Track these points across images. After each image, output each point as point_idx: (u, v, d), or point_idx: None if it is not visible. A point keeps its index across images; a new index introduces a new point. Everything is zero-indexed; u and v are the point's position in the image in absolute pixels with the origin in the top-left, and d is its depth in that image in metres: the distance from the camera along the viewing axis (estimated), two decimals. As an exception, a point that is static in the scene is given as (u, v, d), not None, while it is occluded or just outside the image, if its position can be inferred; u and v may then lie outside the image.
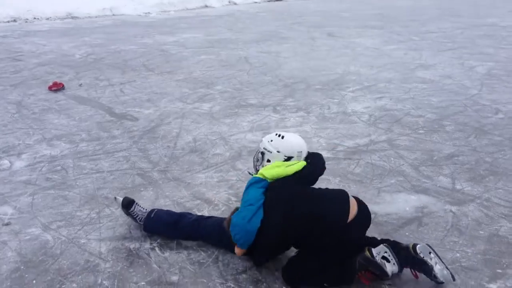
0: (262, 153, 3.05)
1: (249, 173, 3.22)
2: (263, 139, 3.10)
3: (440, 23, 14.36)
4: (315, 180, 3.10)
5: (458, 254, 3.14)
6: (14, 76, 7.80)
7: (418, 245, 2.76)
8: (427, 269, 2.70)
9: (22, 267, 2.99)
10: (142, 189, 4.06)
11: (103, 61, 9.03)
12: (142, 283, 2.86)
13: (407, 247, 2.79)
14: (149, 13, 16.63)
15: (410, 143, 5.06)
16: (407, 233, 3.37)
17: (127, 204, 3.39)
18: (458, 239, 3.31)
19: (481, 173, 4.33)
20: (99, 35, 11.95)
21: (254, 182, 2.87)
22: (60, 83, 7.06)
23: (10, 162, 4.55)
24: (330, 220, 2.77)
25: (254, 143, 5.05)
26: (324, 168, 3.11)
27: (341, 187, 4.07)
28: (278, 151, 2.98)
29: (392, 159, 4.67)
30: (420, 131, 5.41)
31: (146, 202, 3.81)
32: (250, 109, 6.25)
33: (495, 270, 2.98)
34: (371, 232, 3.20)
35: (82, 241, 3.28)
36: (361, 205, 2.95)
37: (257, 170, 3.10)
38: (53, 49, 10.09)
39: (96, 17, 15.55)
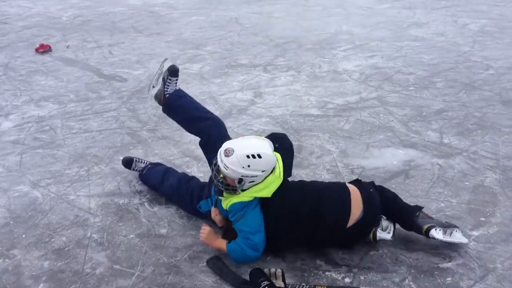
0: (241, 179, 2.55)
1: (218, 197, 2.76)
2: (232, 166, 2.50)
3: (434, -18, 14.10)
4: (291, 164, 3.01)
5: (442, 204, 3.19)
6: (1, 39, 7.66)
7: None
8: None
9: (12, 222, 3.02)
10: (131, 147, 4.07)
11: (91, 23, 8.86)
12: (131, 236, 2.90)
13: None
14: (138, -25, 16.20)
15: (400, 99, 5.05)
16: (393, 185, 3.40)
17: (126, 163, 3.50)
18: (443, 190, 3.35)
19: (469, 127, 4.35)
20: (87, -2, 11.69)
21: (248, 205, 2.61)
22: (47, 45, 6.94)
23: (-2, 123, 4.52)
24: (329, 222, 2.61)
25: (244, 102, 5.03)
26: (293, 150, 3.06)
27: (330, 143, 4.09)
28: (263, 171, 2.56)
29: (381, 115, 4.67)
30: (411, 88, 5.39)
31: (135, 160, 3.81)
32: (240, 69, 6.19)
33: (478, 218, 3.04)
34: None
35: (71, 198, 3.30)
36: (368, 201, 2.69)
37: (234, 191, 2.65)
38: (39, 11, 9.87)
39: (84, -21, 15.15)
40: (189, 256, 2.73)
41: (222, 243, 2.66)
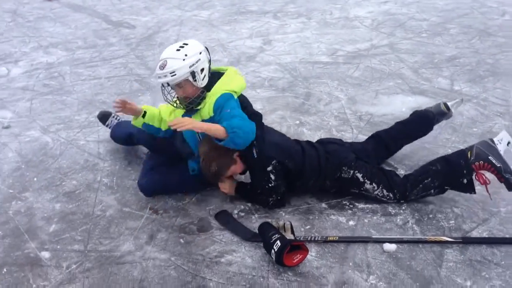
0: (193, 73, 2.46)
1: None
2: (175, 66, 2.41)
3: None
4: None
5: (449, 150, 3.17)
6: (7, -15, 7.57)
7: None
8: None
9: (23, 166, 3.09)
10: (139, 94, 4.08)
11: (98, -31, 8.68)
12: (140, 180, 2.95)
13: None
14: None
15: (411, 46, 4.95)
16: (401, 132, 3.39)
17: (102, 118, 3.35)
18: (451, 136, 3.34)
19: (481, 74, 4.27)
20: None
21: (231, 98, 2.55)
22: (54, -9, 6.85)
23: (7, 69, 4.54)
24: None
25: (252, 49, 4.97)
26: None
27: (338, 90, 4.07)
28: (200, 52, 2.50)
29: (392, 62, 4.59)
30: (423, 35, 5.27)
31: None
32: (249, 15, 6.08)
33: (485, 165, 3.03)
34: (368, 132, 3.25)
35: (81, 143, 3.35)
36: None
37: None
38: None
39: None
40: (196, 199, 2.79)
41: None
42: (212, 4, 6.53)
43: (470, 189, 2.61)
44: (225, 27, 5.65)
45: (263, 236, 2.40)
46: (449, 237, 2.45)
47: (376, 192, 2.68)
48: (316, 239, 2.46)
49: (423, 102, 3.82)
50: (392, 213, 2.64)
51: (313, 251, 2.38)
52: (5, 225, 2.59)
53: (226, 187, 2.72)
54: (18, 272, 2.28)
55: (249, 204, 2.73)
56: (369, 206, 2.69)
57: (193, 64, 2.45)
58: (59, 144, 3.34)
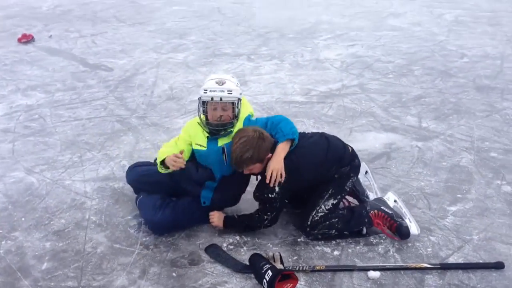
0: (239, 99, 2.78)
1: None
2: (233, 86, 2.72)
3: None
4: None
5: (422, 183, 3.38)
6: (-19, 29, 7.61)
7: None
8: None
9: (10, 207, 3.10)
10: (122, 134, 4.16)
11: (71, 13, 8.84)
12: (129, 217, 3.01)
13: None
14: (116, -36, 16.10)
15: (380, 86, 5.25)
16: (377, 167, 3.59)
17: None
18: (422, 170, 3.55)
19: (446, 112, 4.56)
20: (66, -13, 11.59)
21: (251, 117, 2.91)
22: (30, 35, 6.93)
23: (-14, 112, 4.56)
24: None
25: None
26: None
27: (315, 129, 4.25)
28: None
29: (363, 101, 4.85)
30: (390, 76, 5.59)
31: (126, 146, 3.92)
32: (224, 58, 6.30)
33: (455, 195, 3.24)
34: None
35: (67, 182, 3.40)
36: None
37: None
38: (17, 1, 9.78)
39: (60, -31, 14.98)
40: (186, 234, 2.86)
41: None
42: (187, 47, 6.74)
43: (363, 235, 2.86)
44: (202, 69, 5.84)
45: (254, 266, 2.49)
46: (428, 264, 2.61)
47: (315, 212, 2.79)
48: (304, 268, 2.57)
49: (395, 138, 4.06)
50: (374, 243, 2.79)
51: (302, 280, 2.48)
52: (-5, 265, 2.59)
53: (214, 219, 2.82)
54: (12, 310, 2.29)
55: (238, 237, 2.82)
56: (352, 238, 2.83)
57: (241, 93, 2.78)
58: (44, 184, 3.37)
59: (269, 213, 2.75)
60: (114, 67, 5.89)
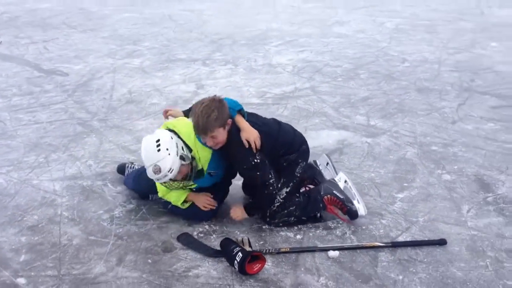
0: (181, 157, 2.77)
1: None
2: (167, 165, 2.68)
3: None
4: None
5: (372, 174, 3.71)
6: None
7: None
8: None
9: (-20, 206, 3.15)
10: (85, 136, 4.25)
11: (19, 19, 8.73)
12: (101, 212, 3.14)
13: None
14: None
15: (330, 89, 5.59)
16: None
17: (120, 171, 3.56)
18: (372, 163, 3.88)
19: (391, 111, 4.95)
20: (11, -7, 11.36)
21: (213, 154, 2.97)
22: (-21, 41, 6.83)
23: None
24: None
25: (187, 93, 5.34)
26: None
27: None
28: (172, 138, 2.80)
29: (315, 102, 5.17)
30: (339, 79, 5.95)
31: (91, 147, 4.03)
32: (180, 63, 6.47)
33: (402, 184, 3.58)
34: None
35: (35, 182, 3.47)
36: None
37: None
38: (-39, 7, 9.54)
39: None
40: (157, 226, 3.03)
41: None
42: (141, 53, 6.86)
43: (319, 220, 3.13)
44: (158, 74, 5.98)
45: (225, 250, 2.70)
46: (380, 243, 2.91)
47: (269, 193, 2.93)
48: (271, 251, 2.80)
49: (346, 135, 4.38)
50: (332, 227, 3.07)
51: (269, 261, 2.71)
52: (-29, 260, 2.65)
53: (238, 213, 2.99)
54: (-6, 300, 2.37)
55: (207, 226, 3.03)
56: (312, 223, 3.09)
57: (178, 151, 2.73)
58: (12, 184, 3.43)
59: (269, 176, 2.88)
60: (69, 72, 5.93)
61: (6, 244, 2.79)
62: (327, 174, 3.47)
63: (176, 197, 3.02)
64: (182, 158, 2.76)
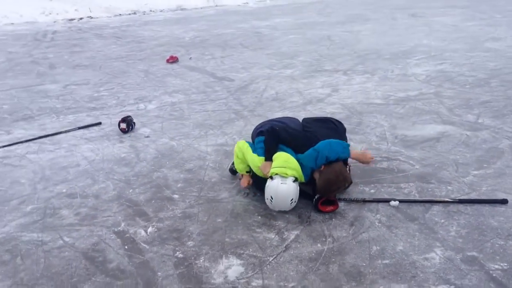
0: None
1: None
2: (288, 200, 3.48)
3: (529, 0, 14.43)
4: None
5: (458, 156, 4.29)
6: (140, 53, 9.82)
7: None
8: None
9: (159, 156, 4.67)
10: (236, 120, 5.62)
11: (207, 42, 10.82)
12: (233, 166, 4.39)
13: None
14: (247, 3, 18.43)
15: (453, 94, 6.12)
16: (425, 147, 4.56)
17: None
18: (462, 149, 4.45)
19: (504, 112, 5.33)
20: (204, 22, 13.86)
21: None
22: (175, 57, 8.90)
23: (145, 105, 6.35)
24: None
25: (322, 95, 6.42)
26: None
27: (384, 120, 5.30)
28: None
29: (433, 104, 5.79)
30: (467, 86, 6.41)
31: (237, 127, 5.36)
32: (324, 73, 7.59)
33: (482, 165, 4.12)
34: (399, 146, 4.47)
35: (195, 146, 4.91)
36: None
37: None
38: (167, 34, 12.10)
39: (201, 8, 17.63)
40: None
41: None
42: (294, 65, 8.15)
43: None
44: (303, 81, 7.18)
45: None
46: (448, 198, 3.58)
47: None
48: (346, 199, 3.69)
49: (449, 129, 4.97)
50: (402, 187, 3.83)
51: (341, 204, 3.62)
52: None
53: (245, 182, 3.93)
54: None
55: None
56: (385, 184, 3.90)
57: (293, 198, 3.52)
58: (181, 146, 4.91)
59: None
60: (235, 79, 7.48)
61: (170, 177, 4.20)
62: None
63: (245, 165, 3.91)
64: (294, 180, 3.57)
